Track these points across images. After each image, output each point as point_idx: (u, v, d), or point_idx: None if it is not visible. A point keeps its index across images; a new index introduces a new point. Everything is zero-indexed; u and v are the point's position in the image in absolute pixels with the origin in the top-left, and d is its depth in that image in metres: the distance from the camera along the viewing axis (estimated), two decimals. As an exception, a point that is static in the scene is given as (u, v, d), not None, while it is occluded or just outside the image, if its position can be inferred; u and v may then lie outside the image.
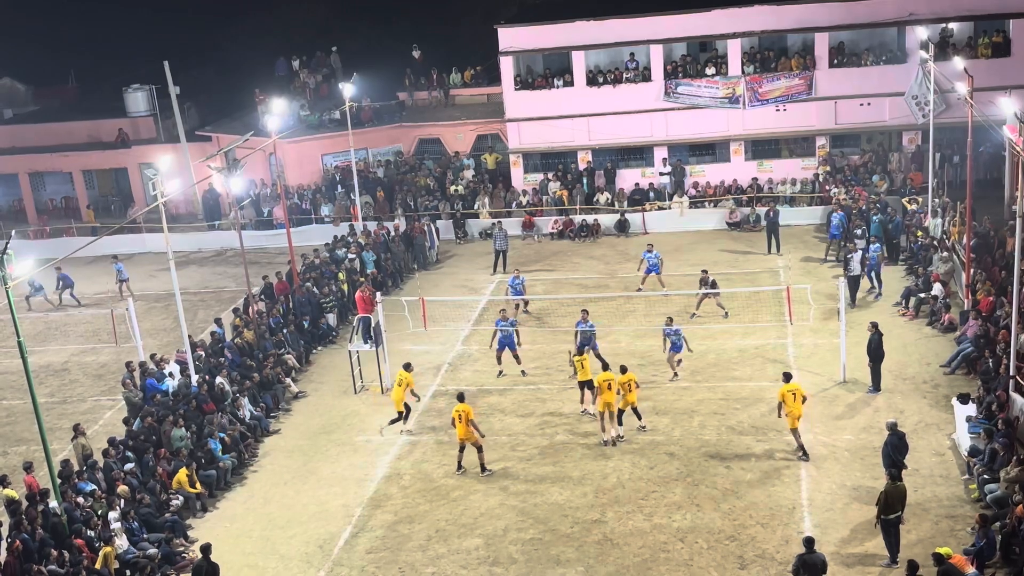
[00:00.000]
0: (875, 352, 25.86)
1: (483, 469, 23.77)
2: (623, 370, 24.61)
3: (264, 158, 44.47)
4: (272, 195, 44.90)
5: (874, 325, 26.18)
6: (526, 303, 33.13)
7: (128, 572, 20.65)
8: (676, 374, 27.73)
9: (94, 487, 22.72)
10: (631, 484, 22.82)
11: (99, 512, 21.75)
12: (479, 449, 23.81)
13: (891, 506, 19.27)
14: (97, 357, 33.25)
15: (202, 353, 29.05)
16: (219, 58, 56.29)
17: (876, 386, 26.07)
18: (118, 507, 21.85)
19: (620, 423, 24.68)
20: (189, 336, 28.41)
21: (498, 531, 21.52)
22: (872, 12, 41.02)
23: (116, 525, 21.36)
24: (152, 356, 28.90)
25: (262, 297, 33.68)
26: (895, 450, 20.98)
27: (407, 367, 25.85)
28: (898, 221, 35.67)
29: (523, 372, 28.74)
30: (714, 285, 31.27)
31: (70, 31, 61.12)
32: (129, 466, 23.71)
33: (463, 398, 24.05)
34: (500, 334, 28.73)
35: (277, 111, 36.93)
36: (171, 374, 27.99)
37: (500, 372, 28.95)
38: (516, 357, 28.79)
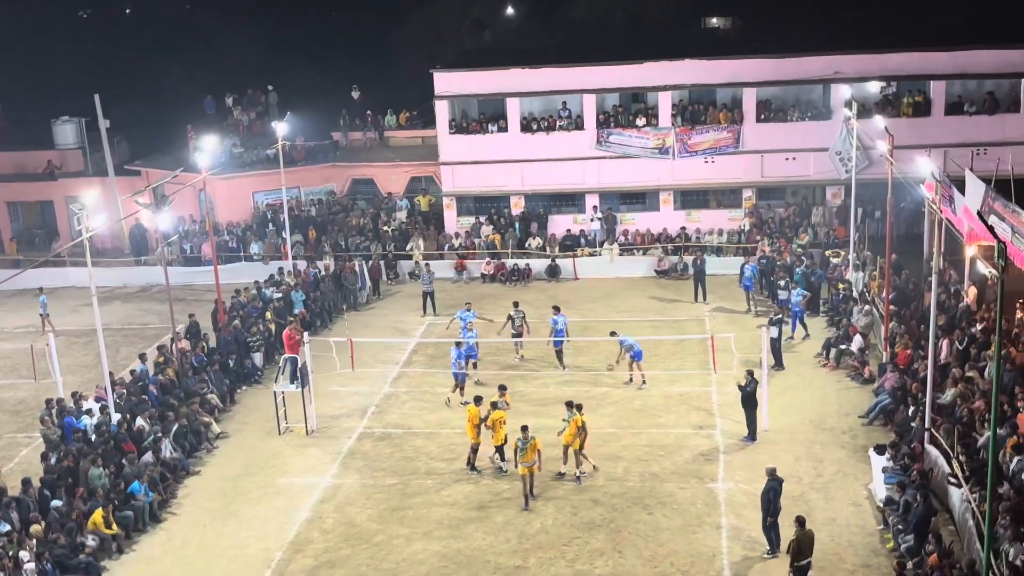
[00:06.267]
0: (748, 400, 26.32)
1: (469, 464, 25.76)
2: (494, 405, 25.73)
3: (194, 194, 44.08)
4: (200, 231, 44.49)
5: (749, 373, 26.63)
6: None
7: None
8: (644, 381, 30.15)
9: (8, 527, 22.16)
10: (554, 530, 22.87)
11: (11, 553, 21.20)
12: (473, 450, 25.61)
13: (803, 552, 19.69)
14: (15, 393, 32.49)
15: (124, 391, 28.59)
16: (152, 93, 55.87)
17: (752, 435, 26.50)
18: (30, 548, 21.32)
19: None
20: (111, 373, 27.98)
21: (420, 576, 21.42)
22: (799, 70, 42.16)
23: (29, 566, 20.83)
24: (73, 394, 28.35)
25: (187, 336, 33.30)
26: (776, 496, 21.32)
27: (476, 400, 26.02)
28: (820, 273, 36.49)
29: (477, 381, 29.61)
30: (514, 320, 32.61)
31: (-1, 61, 60.25)
32: (53, 503, 23.24)
33: (479, 401, 25.76)
34: (459, 351, 29.62)
35: (207, 147, 36.72)
36: (89, 411, 27.45)
37: (447, 401, 29.51)
38: (475, 365, 30.14)
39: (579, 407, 25.01)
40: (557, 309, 32.51)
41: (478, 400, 25.87)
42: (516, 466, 24.22)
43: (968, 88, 42.17)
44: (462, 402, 28.98)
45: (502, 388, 26.63)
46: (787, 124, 42.70)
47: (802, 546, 19.67)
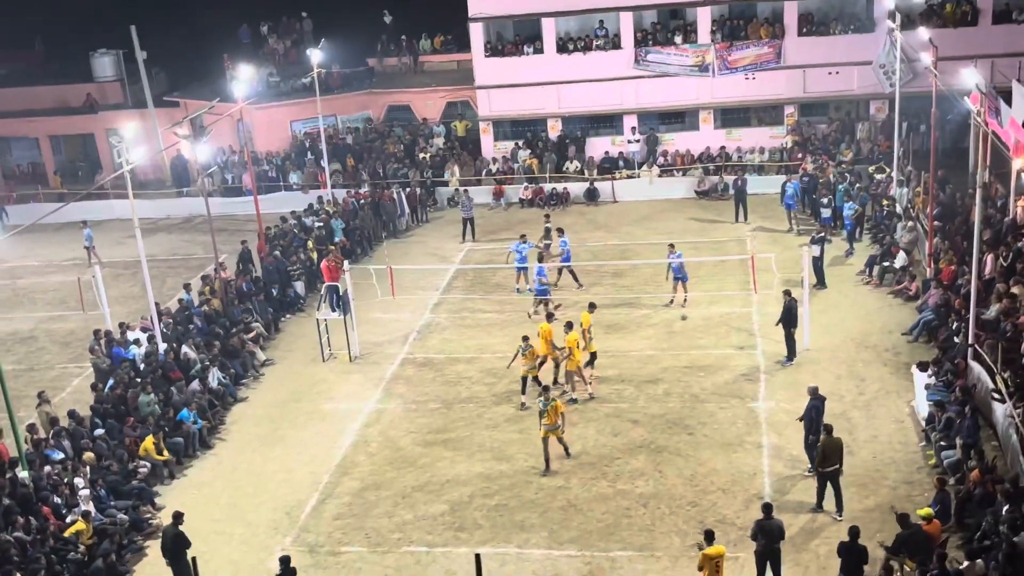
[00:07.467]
0: (790, 319, 26.13)
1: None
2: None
3: (232, 124, 44.15)
4: (240, 162, 44.65)
5: (787, 292, 26.38)
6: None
7: (96, 539, 20.74)
8: (684, 302, 30.21)
9: (63, 455, 22.76)
10: (596, 451, 23.09)
11: (66, 480, 21.81)
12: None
13: (828, 458, 19.87)
14: (65, 324, 33.15)
15: (170, 320, 29.03)
16: (188, 23, 55.63)
17: (791, 355, 26.35)
18: (85, 475, 21.91)
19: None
20: (156, 304, 28.41)
21: (464, 497, 21.75)
22: (841, -20, 41.22)
23: (84, 492, 21.44)
24: (120, 325, 28.85)
25: (238, 263, 33.66)
26: (819, 414, 21.32)
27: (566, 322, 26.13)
28: (865, 196, 35.85)
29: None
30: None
31: (35, -6, 60.19)
32: (99, 432, 23.75)
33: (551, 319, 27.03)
34: (539, 267, 30.52)
35: (244, 77, 36.67)
36: (137, 341, 27.95)
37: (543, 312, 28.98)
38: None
39: (569, 325, 25.46)
40: (561, 231, 32.68)
41: (550, 318, 27.06)
42: (540, 428, 22.61)
43: (1018, -6, 40.91)
44: (532, 313, 29.75)
45: (592, 306, 26.84)
46: (829, 37, 41.76)
47: (827, 452, 19.84)
